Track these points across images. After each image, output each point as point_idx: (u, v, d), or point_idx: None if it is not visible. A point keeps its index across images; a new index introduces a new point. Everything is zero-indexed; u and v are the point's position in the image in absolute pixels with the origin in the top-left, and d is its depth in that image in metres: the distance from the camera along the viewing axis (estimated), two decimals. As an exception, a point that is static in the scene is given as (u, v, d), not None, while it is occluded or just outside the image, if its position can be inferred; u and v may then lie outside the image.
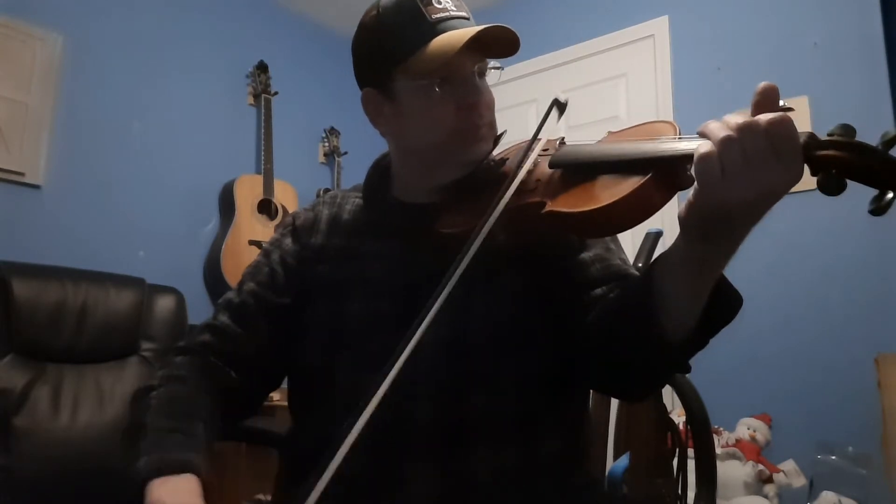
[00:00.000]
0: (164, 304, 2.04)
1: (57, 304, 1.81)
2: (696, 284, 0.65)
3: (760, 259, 2.26)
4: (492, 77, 0.89)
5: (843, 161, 0.55)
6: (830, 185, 0.56)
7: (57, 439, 1.68)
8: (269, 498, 1.91)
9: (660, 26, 2.79)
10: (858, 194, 0.56)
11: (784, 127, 0.54)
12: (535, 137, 0.79)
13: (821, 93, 2.22)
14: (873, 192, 0.55)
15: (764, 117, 0.55)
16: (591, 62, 2.92)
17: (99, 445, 1.74)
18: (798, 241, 2.27)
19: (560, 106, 0.82)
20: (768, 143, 0.54)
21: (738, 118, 0.56)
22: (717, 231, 0.60)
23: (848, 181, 0.55)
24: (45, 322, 1.78)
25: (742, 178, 0.55)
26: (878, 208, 0.54)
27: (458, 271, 0.67)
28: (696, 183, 0.58)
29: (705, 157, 0.56)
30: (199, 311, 2.34)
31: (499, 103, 0.92)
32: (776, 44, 2.43)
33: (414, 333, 0.65)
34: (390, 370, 0.64)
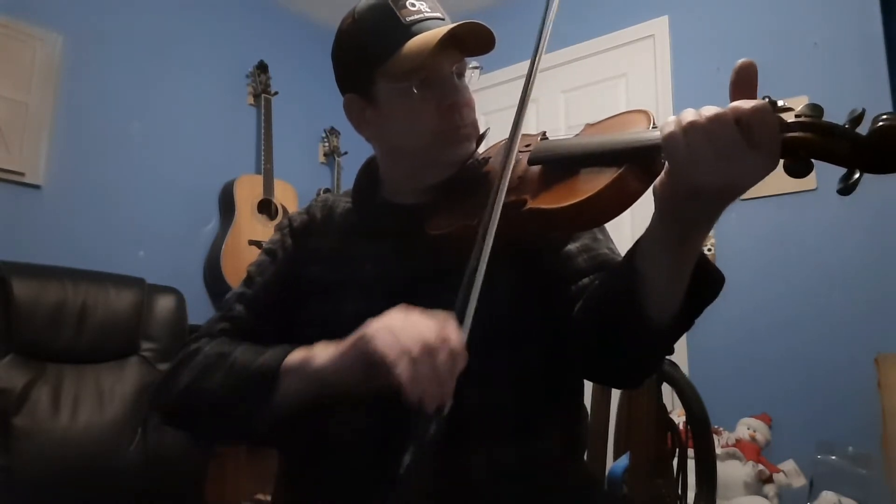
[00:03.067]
0: (164, 304, 2.04)
1: (57, 304, 1.82)
2: (674, 262, 0.66)
3: (760, 259, 2.26)
4: (473, 79, 0.89)
5: (811, 142, 0.55)
6: (798, 168, 0.55)
7: (57, 439, 1.68)
8: (268, 498, 1.90)
9: (660, 26, 2.79)
10: (860, 195, 0.56)
11: (760, 116, 0.54)
12: (539, 36, 0.80)
13: (821, 93, 2.22)
14: (875, 190, 0.54)
15: (740, 105, 0.55)
16: (591, 62, 2.92)
17: (99, 445, 1.74)
18: (798, 242, 2.27)
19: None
20: (739, 132, 0.54)
21: (711, 109, 0.56)
22: (688, 210, 0.61)
23: (816, 161, 0.55)
24: (45, 322, 1.78)
25: (711, 164, 0.55)
26: (846, 187, 0.53)
27: (481, 273, 0.67)
28: (666, 164, 0.59)
29: (669, 137, 0.58)
30: (199, 311, 2.34)
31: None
32: (776, 44, 2.43)
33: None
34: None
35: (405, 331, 0.63)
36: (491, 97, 2.79)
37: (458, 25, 0.80)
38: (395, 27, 0.83)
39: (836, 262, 2.19)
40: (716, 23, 2.63)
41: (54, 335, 1.80)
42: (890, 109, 2.12)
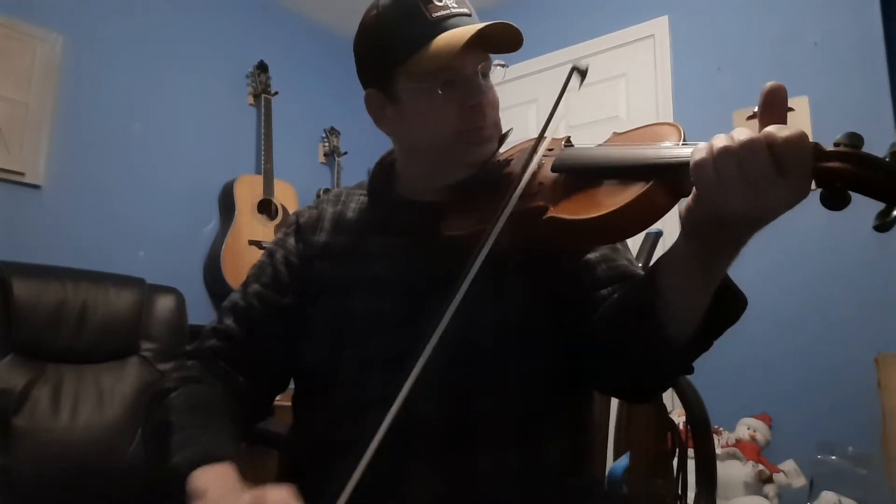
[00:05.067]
0: (164, 304, 2.03)
1: (57, 304, 1.81)
2: (698, 285, 0.65)
3: (761, 259, 2.26)
4: (496, 75, 0.87)
5: (848, 174, 0.52)
6: (834, 199, 0.53)
7: (57, 439, 1.68)
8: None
9: (660, 26, 2.79)
10: (860, 196, 0.56)
11: (796, 145, 0.52)
12: (555, 107, 0.77)
13: (821, 93, 2.22)
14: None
15: (774, 134, 0.52)
16: (591, 62, 2.91)
17: (99, 445, 1.74)
18: (798, 242, 2.27)
19: (581, 73, 0.79)
20: (772, 160, 0.52)
21: (744, 133, 0.54)
22: (715, 237, 0.60)
23: (853, 194, 0.53)
24: (45, 322, 1.78)
25: (740, 193, 0.53)
26: (884, 224, 0.51)
27: (468, 280, 0.66)
28: (694, 188, 0.58)
29: (700, 165, 0.55)
30: (199, 311, 2.35)
31: (504, 101, 0.91)
32: (776, 44, 2.43)
33: (428, 341, 0.64)
34: (407, 378, 0.63)
35: None
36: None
37: (486, 27, 0.78)
38: (420, 23, 0.80)
39: (836, 262, 2.19)
40: (716, 23, 2.63)
41: (54, 335, 1.79)
42: (890, 110, 2.12)
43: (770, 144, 0.52)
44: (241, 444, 0.87)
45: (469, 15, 0.84)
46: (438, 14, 0.81)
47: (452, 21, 0.81)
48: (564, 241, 0.78)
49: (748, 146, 0.52)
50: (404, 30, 0.81)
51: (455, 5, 0.83)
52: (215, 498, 0.65)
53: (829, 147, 0.54)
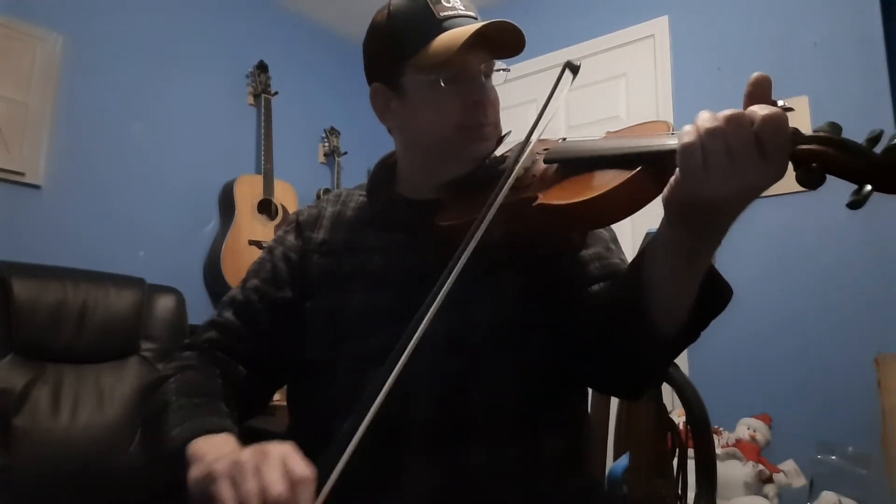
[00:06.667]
0: (164, 304, 2.04)
1: (57, 304, 1.81)
2: (682, 272, 0.65)
3: (761, 259, 2.26)
4: (497, 78, 0.90)
5: (824, 155, 0.55)
6: (810, 179, 0.56)
7: (57, 439, 1.68)
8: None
9: (660, 26, 2.79)
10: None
11: (775, 123, 0.54)
12: (546, 104, 0.79)
13: (821, 93, 2.22)
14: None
15: (755, 111, 0.55)
16: (591, 62, 2.92)
17: (99, 445, 1.74)
18: (798, 241, 2.27)
19: (573, 69, 0.82)
20: (755, 138, 0.54)
21: (728, 110, 0.56)
22: (697, 220, 0.61)
23: (828, 176, 0.56)
24: (45, 322, 1.78)
25: (723, 173, 0.55)
26: (856, 201, 0.54)
27: (458, 267, 0.66)
28: (677, 170, 0.59)
29: (688, 145, 0.57)
30: (199, 311, 2.34)
31: (505, 101, 0.93)
32: (776, 44, 2.43)
33: (415, 329, 0.64)
34: (392, 368, 0.63)
35: (250, 482, 0.55)
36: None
37: (489, 23, 0.81)
38: (428, 21, 0.85)
39: (836, 262, 2.19)
40: (716, 23, 2.63)
41: (54, 335, 1.80)
42: (890, 110, 2.12)
43: (752, 121, 0.55)
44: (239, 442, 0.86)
45: (475, 18, 0.88)
46: (446, 13, 0.85)
47: (459, 20, 0.85)
48: (554, 227, 0.80)
49: (734, 120, 0.55)
50: (413, 27, 0.85)
51: (462, 7, 0.87)
52: (215, 458, 0.64)
53: (810, 133, 0.57)
